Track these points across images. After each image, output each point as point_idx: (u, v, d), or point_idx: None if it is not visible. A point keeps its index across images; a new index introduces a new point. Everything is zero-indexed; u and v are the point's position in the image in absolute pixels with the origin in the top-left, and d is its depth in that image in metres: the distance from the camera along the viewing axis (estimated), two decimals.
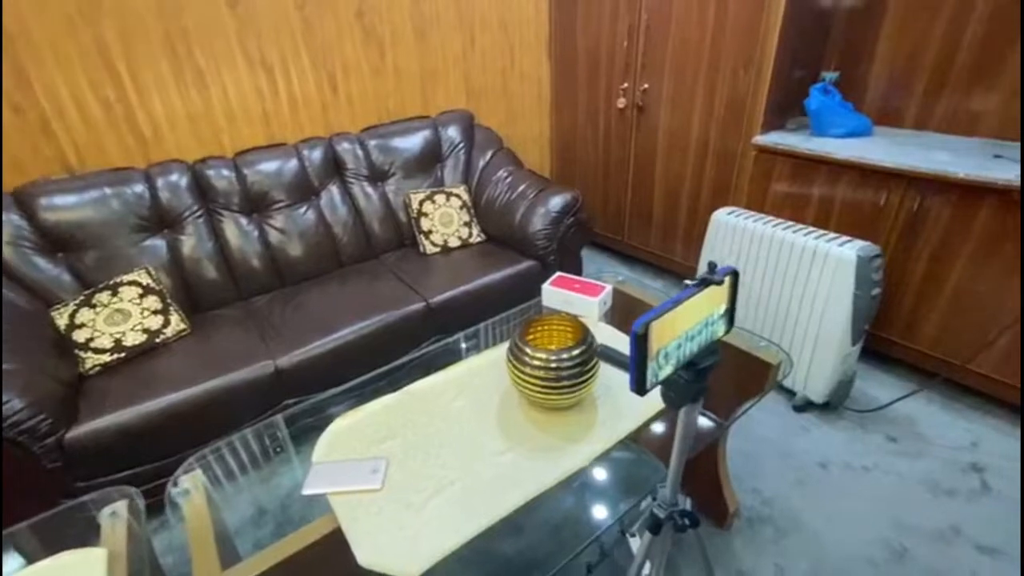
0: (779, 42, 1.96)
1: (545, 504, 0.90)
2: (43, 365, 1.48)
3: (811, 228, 1.81)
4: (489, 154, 2.54)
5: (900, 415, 1.85)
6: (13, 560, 0.95)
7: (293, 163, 2.13)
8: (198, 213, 1.96)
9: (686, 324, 0.50)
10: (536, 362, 0.99)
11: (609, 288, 1.43)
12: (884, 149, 1.86)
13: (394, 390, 1.19)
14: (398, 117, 2.48)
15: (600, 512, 0.95)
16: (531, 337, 1.15)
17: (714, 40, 2.16)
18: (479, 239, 2.38)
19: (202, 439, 1.38)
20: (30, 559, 0.89)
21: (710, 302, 0.53)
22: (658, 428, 1.07)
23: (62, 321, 1.63)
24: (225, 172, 2.01)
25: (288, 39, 2.11)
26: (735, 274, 0.54)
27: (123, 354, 1.66)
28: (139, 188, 1.86)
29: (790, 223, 1.86)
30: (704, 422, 1.15)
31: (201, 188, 1.98)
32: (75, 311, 1.65)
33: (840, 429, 1.81)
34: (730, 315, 0.56)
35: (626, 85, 2.57)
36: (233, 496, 1.12)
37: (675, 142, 2.48)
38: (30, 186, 1.70)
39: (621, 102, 2.62)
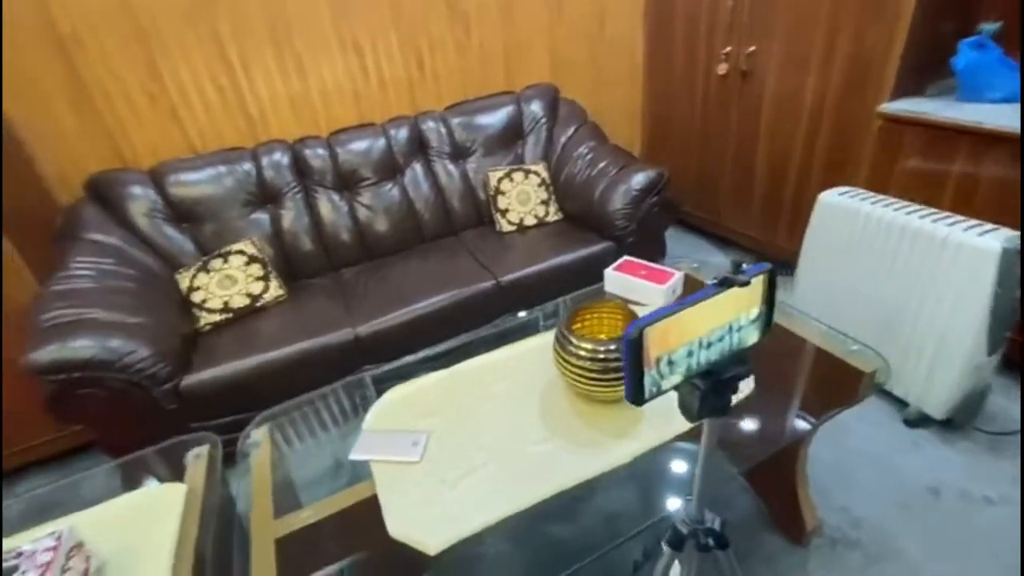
0: None
1: (604, 492, 0.87)
2: (168, 321, 1.72)
3: (944, 213, 1.52)
4: (572, 129, 2.46)
5: None
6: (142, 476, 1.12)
7: (380, 142, 2.22)
8: (296, 189, 2.14)
9: (700, 330, 0.44)
10: (582, 352, 0.95)
11: (679, 275, 1.32)
12: None
13: (451, 365, 1.21)
14: (482, 93, 2.47)
15: (652, 510, 0.90)
16: (579, 325, 1.10)
17: None
18: (556, 218, 2.33)
19: (291, 394, 1.52)
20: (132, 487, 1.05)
21: (735, 305, 0.45)
22: (750, 425, 0.98)
23: (184, 284, 1.88)
24: (320, 151, 2.15)
25: (378, 21, 2.18)
26: (771, 273, 0.46)
27: (230, 315, 1.87)
28: (247, 166, 2.06)
29: (918, 207, 1.58)
30: (781, 421, 1.03)
31: (299, 166, 2.14)
32: (195, 275, 1.89)
33: (961, 451, 1.54)
34: (766, 320, 0.48)
35: (729, 49, 2.32)
36: (314, 449, 1.22)
37: (784, 112, 2.20)
38: (162, 165, 1.95)
39: (722, 68, 2.37)
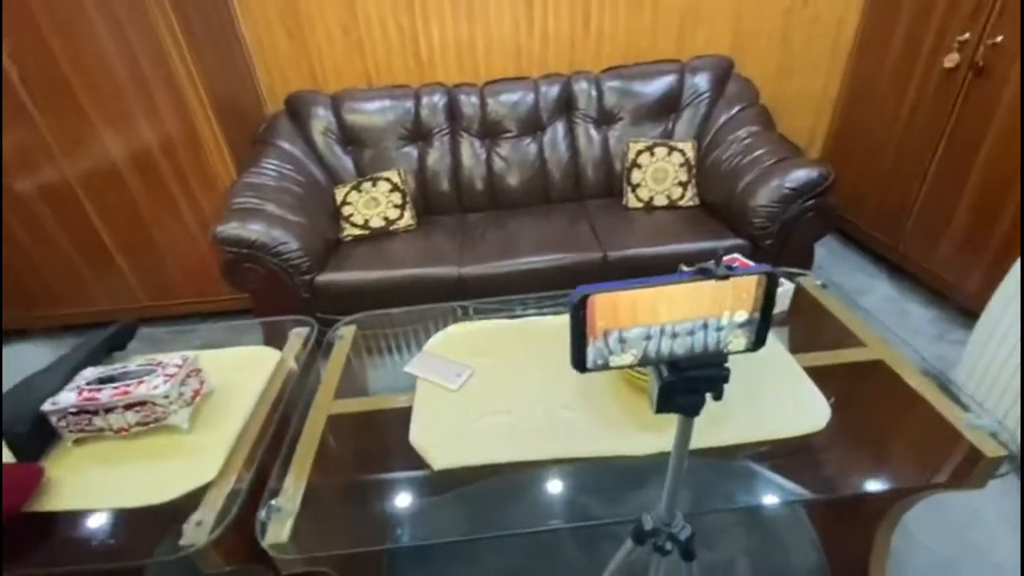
0: None
1: (615, 473, 0.87)
2: (318, 225, 2.03)
3: None
4: (736, 109, 2.23)
5: None
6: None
7: (530, 97, 2.26)
8: (446, 132, 2.30)
9: (664, 315, 0.41)
10: None
11: (786, 287, 1.17)
12: None
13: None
14: (647, 59, 2.34)
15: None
16: None
17: None
18: (691, 203, 2.17)
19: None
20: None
21: (715, 301, 0.41)
22: (817, 460, 0.89)
23: (339, 197, 2.18)
24: (473, 99, 2.27)
25: None
26: (770, 278, 0.40)
27: (367, 232, 2.14)
28: (408, 104, 2.27)
29: None
30: (866, 479, 0.89)
31: (452, 110, 2.29)
32: (348, 192, 2.19)
33: None
34: (759, 330, 0.43)
35: (967, 36, 1.86)
36: (376, 357, 1.35)
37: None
38: (342, 92, 2.25)
39: (951, 59, 1.92)
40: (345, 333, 1.27)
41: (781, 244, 1.90)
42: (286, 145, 2.20)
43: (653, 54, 2.36)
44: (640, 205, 2.19)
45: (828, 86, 2.51)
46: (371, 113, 2.26)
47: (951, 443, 0.89)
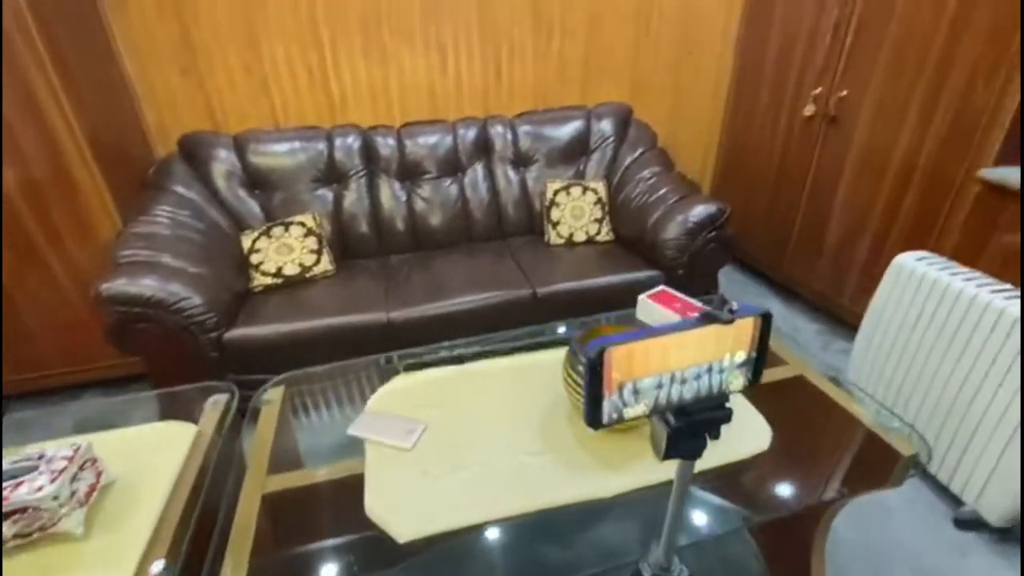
0: None
1: (585, 518, 0.85)
2: (224, 276, 1.84)
3: None
4: (639, 151, 2.42)
5: None
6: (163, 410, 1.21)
7: (448, 139, 2.28)
8: (362, 173, 2.23)
9: (673, 363, 0.41)
10: None
11: None
12: None
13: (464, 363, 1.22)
14: (555, 105, 2.48)
15: (627, 548, 0.87)
16: None
17: (948, 40, 1.72)
18: (607, 238, 2.29)
19: (321, 364, 1.59)
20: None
21: (718, 344, 0.42)
22: (763, 481, 0.92)
23: (246, 244, 2.01)
24: (390, 140, 2.24)
25: (464, 23, 2.25)
26: (765, 318, 0.43)
27: (280, 280, 1.98)
28: (321, 145, 2.18)
29: (1006, 288, 1.42)
30: (802, 487, 0.96)
31: (368, 152, 2.24)
32: (257, 238, 2.02)
33: (1015, 567, 1.36)
34: (755, 368, 0.45)
35: (819, 90, 2.20)
36: (304, 421, 1.25)
37: (870, 163, 2.05)
38: (246, 133, 2.11)
39: (809, 109, 2.25)
40: (273, 396, 1.14)
41: (691, 273, 2.05)
42: (181, 189, 1.99)
43: (561, 100, 2.51)
44: (561, 241, 2.27)
45: (711, 130, 2.83)
46: (280, 155, 2.14)
47: (873, 447, 0.99)
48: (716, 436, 0.48)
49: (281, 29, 2.08)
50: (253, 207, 2.13)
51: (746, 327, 0.42)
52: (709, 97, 2.73)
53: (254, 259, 1.99)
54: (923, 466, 0.94)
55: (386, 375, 1.26)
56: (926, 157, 1.85)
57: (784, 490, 0.95)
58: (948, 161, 1.78)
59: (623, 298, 1.97)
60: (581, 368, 0.94)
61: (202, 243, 1.87)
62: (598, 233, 2.28)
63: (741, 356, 0.44)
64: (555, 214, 2.28)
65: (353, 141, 2.21)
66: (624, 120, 2.47)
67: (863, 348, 1.81)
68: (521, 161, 2.39)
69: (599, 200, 2.30)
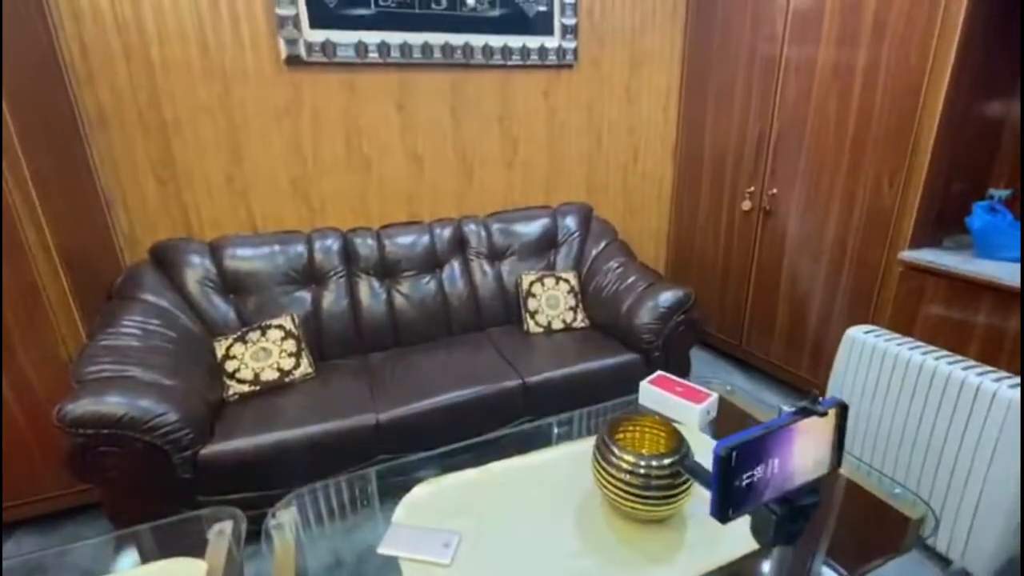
0: (933, 155, 1.82)
1: None
2: (198, 387, 1.74)
3: (973, 362, 1.54)
4: (603, 244, 2.61)
5: None
6: (130, 557, 1.09)
7: (425, 238, 2.38)
8: (341, 274, 2.25)
9: (783, 455, 0.47)
10: (624, 464, 0.95)
11: (715, 397, 1.34)
12: None
13: (476, 464, 1.20)
14: (522, 205, 2.68)
15: None
16: (620, 436, 1.10)
17: (854, 149, 2.07)
18: (583, 325, 2.39)
19: (305, 478, 1.49)
20: (145, 558, 1.02)
21: (813, 435, 0.49)
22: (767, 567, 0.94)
23: (220, 351, 1.92)
24: (370, 241, 2.30)
25: (439, 136, 2.45)
26: (843, 407, 0.50)
27: (258, 387, 1.89)
28: (300, 248, 2.20)
29: (945, 353, 1.62)
30: (823, 571, 0.99)
31: (348, 253, 2.28)
32: (232, 344, 1.95)
33: None
34: (837, 453, 0.51)
35: (752, 189, 2.53)
36: (317, 540, 1.18)
37: (805, 250, 2.34)
38: (223, 238, 2.10)
39: (746, 204, 2.57)
40: (284, 519, 1.06)
41: (666, 355, 2.17)
42: (151, 298, 1.92)
43: (527, 201, 2.72)
44: (540, 330, 2.34)
45: (661, 224, 3.12)
46: (257, 258, 2.13)
47: (881, 516, 1.05)
48: (808, 518, 0.52)
49: (266, 144, 2.17)
50: (227, 312, 2.07)
51: (832, 417, 0.49)
52: (655, 197, 3.04)
53: (229, 366, 1.90)
54: (929, 531, 1.01)
55: (388, 489, 1.21)
56: (852, 244, 2.14)
57: (808, 567, 0.98)
58: (871, 246, 2.07)
59: (609, 382, 2.05)
60: (614, 459, 0.97)
61: (173, 352, 1.78)
62: (574, 320, 2.38)
63: (825, 443, 0.50)
64: (532, 304, 2.37)
65: (332, 243, 2.25)
66: (586, 217, 2.69)
67: None
68: (495, 255, 2.51)
69: (572, 289, 2.43)
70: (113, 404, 1.47)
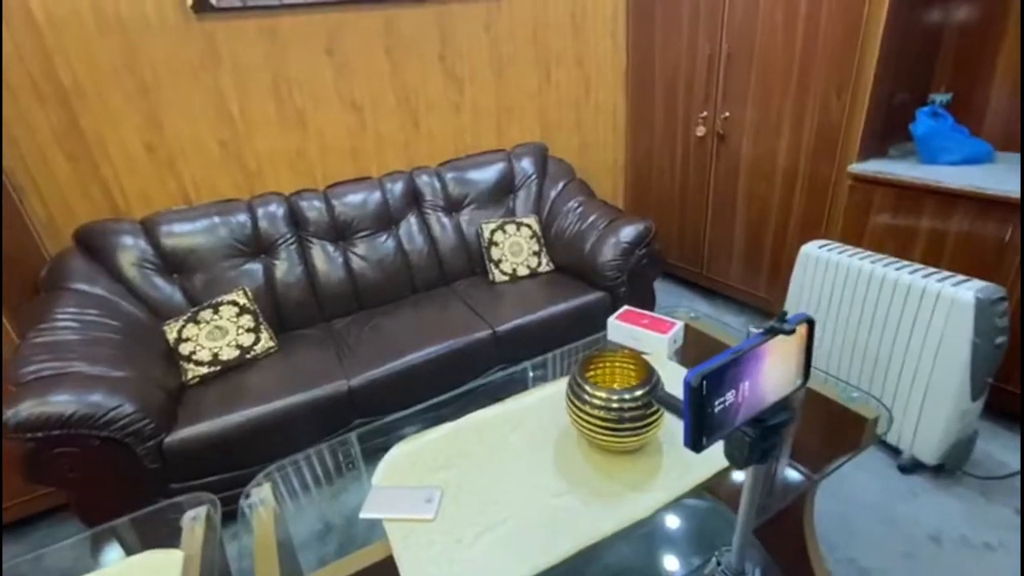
0: (878, 64, 1.82)
1: (608, 549, 0.85)
2: (153, 374, 1.65)
3: (918, 266, 1.62)
4: (561, 185, 2.56)
5: None
6: (114, 551, 1.05)
7: (376, 195, 2.27)
8: (291, 240, 2.14)
9: (755, 377, 0.46)
10: (596, 401, 0.96)
11: (680, 325, 1.36)
12: (1008, 177, 1.64)
13: (457, 417, 1.20)
14: (474, 151, 2.57)
15: (667, 565, 0.89)
16: (591, 374, 1.11)
17: (802, 66, 2.05)
18: (547, 268, 2.38)
19: (282, 451, 1.45)
20: (128, 551, 0.98)
21: (783, 353, 0.48)
22: (741, 476, 0.98)
23: (172, 335, 1.82)
24: (316, 203, 2.18)
25: (377, 81, 2.28)
26: (810, 323, 0.49)
27: (218, 367, 1.82)
28: (242, 218, 2.06)
29: (893, 260, 1.68)
30: (789, 473, 1.05)
31: (295, 218, 2.15)
32: (183, 326, 1.84)
33: (957, 497, 1.57)
34: (805, 369, 0.51)
35: (705, 113, 2.49)
36: (304, 509, 1.17)
37: (759, 171, 2.35)
38: (155, 216, 1.94)
39: (700, 130, 2.54)
40: (259, 496, 1.04)
41: (631, 290, 2.19)
42: (84, 287, 1.78)
43: (480, 146, 2.61)
44: (506, 278, 2.32)
45: (617, 157, 3.07)
46: (197, 233, 1.99)
47: (841, 419, 1.11)
48: (782, 436, 0.52)
49: (183, 104, 1.97)
50: (173, 293, 1.94)
51: (801, 334, 0.48)
52: (610, 129, 2.97)
53: (184, 349, 1.81)
54: (885, 428, 1.07)
55: (370, 451, 1.20)
56: (804, 162, 2.16)
57: (775, 485, 1.03)
58: (822, 162, 2.09)
59: (578, 323, 2.06)
60: (587, 397, 0.97)
61: (120, 343, 1.67)
62: (539, 265, 2.36)
63: (793, 361, 0.49)
64: (495, 252, 2.33)
65: (277, 209, 2.12)
66: (542, 157, 2.61)
67: None
68: (452, 206, 2.43)
69: (534, 234, 2.39)
70: (60, 403, 1.38)
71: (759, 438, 0.49)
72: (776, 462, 1.06)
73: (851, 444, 1.11)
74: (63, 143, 1.84)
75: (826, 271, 1.83)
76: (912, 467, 1.66)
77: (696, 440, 0.44)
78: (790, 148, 2.19)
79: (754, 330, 0.47)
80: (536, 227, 2.42)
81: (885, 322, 1.65)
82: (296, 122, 2.17)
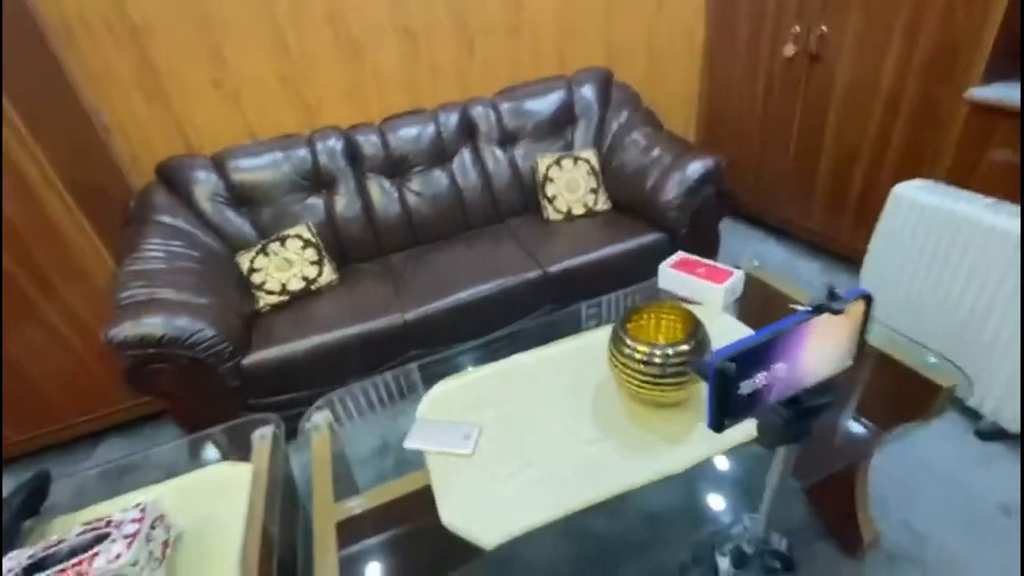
0: None
1: (649, 492, 0.87)
2: (230, 301, 1.80)
3: None
4: (624, 115, 2.39)
5: None
6: (210, 451, 1.20)
7: (430, 129, 2.23)
8: (349, 176, 2.17)
9: (792, 357, 0.42)
10: (637, 355, 0.93)
11: (740, 274, 1.27)
12: None
13: (506, 355, 1.22)
14: (533, 78, 2.42)
15: (706, 510, 0.89)
16: (634, 324, 1.07)
17: None
18: (605, 207, 2.28)
19: (346, 375, 1.57)
20: (222, 453, 1.12)
21: (828, 333, 0.43)
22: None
23: (245, 265, 1.96)
24: (372, 138, 2.18)
25: (430, 5, 2.16)
26: (867, 299, 0.43)
27: (287, 297, 1.95)
28: (303, 153, 2.11)
29: (1006, 204, 1.45)
30: (852, 429, 0.99)
31: (352, 153, 2.17)
32: (254, 257, 1.97)
33: None
34: (858, 348, 0.45)
35: (798, 29, 2.17)
36: (365, 429, 1.26)
37: (856, 98, 2.06)
38: (223, 151, 2.02)
39: (789, 49, 2.23)
40: (319, 421, 1.14)
41: (694, 231, 2.06)
42: (168, 219, 1.93)
43: (539, 73, 2.45)
44: (560, 216, 2.25)
45: (691, 83, 2.80)
46: (262, 168, 2.07)
47: (915, 384, 1.02)
48: (818, 418, 0.48)
49: (244, 38, 1.98)
50: (244, 226, 2.07)
51: (855, 311, 0.42)
52: (685, 50, 2.69)
53: (255, 279, 1.95)
54: (964, 397, 0.97)
55: (423, 380, 1.26)
56: (912, 84, 1.86)
57: (832, 445, 0.98)
58: (935, 86, 1.79)
59: (634, 265, 1.99)
60: (628, 350, 0.95)
61: (201, 272, 1.82)
62: (595, 203, 2.27)
63: (843, 339, 0.44)
64: (550, 189, 2.26)
65: (335, 143, 2.14)
66: (605, 84, 2.43)
67: (871, 282, 1.85)
68: (508, 139, 2.35)
69: (592, 170, 2.28)
70: (151, 325, 1.55)
71: (792, 420, 0.45)
72: (839, 415, 1.01)
73: (922, 411, 1.02)
74: (141, 81, 1.93)
75: (921, 216, 1.62)
76: (992, 434, 1.52)
77: (718, 422, 0.41)
78: (897, 71, 1.88)
79: (799, 307, 0.42)
80: (595, 162, 2.30)
81: (985, 276, 1.46)
82: (352, 55, 2.13)
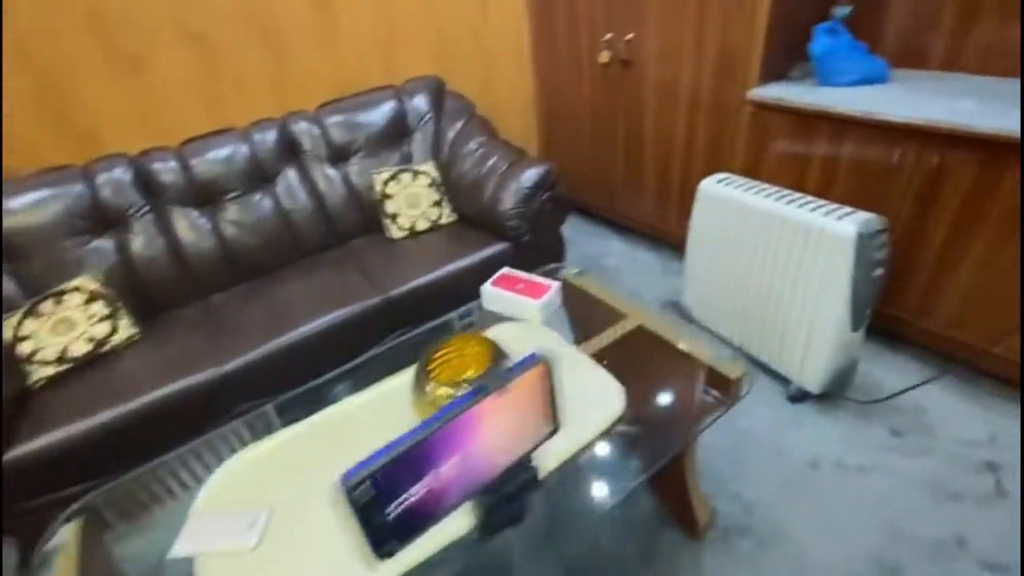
0: None
1: None
2: None
3: (809, 198, 1.57)
4: (459, 124, 2.33)
5: (908, 405, 1.65)
6: None
7: (243, 149, 1.99)
8: (145, 210, 1.86)
9: (462, 444, 0.36)
10: (438, 399, 0.86)
11: (554, 288, 1.27)
12: (899, 99, 1.58)
13: (348, 394, 1.09)
14: (359, 89, 2.28)
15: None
16: (441, 361, 1.00)
17: None
18: (451, 219, 2.21)
19: (147, 456, 1.31)
20: None
21: (507, 408, 0.37)
22: (624, 443, 0.93)
23: (7, 333, 1.58)
24: (171, 164, 1.89)
25: (221, 10, 1.92)
26: (544, 363, 0.38)
27: (69, 365, 1.61)
28: (78, 188, 1.76)
29: (786, 192, 1.63)
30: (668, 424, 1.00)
31: (146, 183, 1.87)
32: (20, 322, 1.60)
33: (838, 422, 1.64)
34: (553, 414, 0.41)
35: (609, 36, 2.28)
36: (161, 532, 1.02)
37: (665, 100, 2.21)
38: None
39: (604, 56, 2.34)
40: (65, 538, 0.91)
41: (536, 238, 2.07)
42: None
43: (364, 83, 2.31)
44: (404, 234, 2.14)
45: (525, 90, 2.84)
46: (23, 211, 1.70)
47: (714, 377, 1.07)
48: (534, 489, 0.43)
49: None
50: (5, 284, 1.67)
51: (529, 381, 0.37)
52: (513, 57, 2.71)
53: (24, 349, 1.58)
54: (747, 389, 1.04)
55: (252, 437, 1.08)
56: (706, 87, 2.03)
57: (647, 446, 1.00)
58: (724, 88, 1.96)
59: (481, 278, 1.90)
60: (428, 393, 0.87)
61: None
62: (440, 217, 2.19)
63: (534, 408, 0.39)
64: (390, 206, 2.14)
65: (122, 174, 1.83)
66: (437, 93, 2.36)
67: (692, 269, 1.99)
68: (338, 156, 2.18)
69: (432, 182, 2.20)
70: None
71: (497, 506, 0.39)
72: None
73: (727, 399, 1.08)
74: None
75: (722, 208, 1.76)
76: (800, 397, 1.71)
77: (379, 548, 0.34)
78: (693, 73, 2.04)
79: (457, 395, 0.36)
80: (435, 174, 2.22)
81: (776, 258, 1.62)
82: (127, 66, 1.82)
